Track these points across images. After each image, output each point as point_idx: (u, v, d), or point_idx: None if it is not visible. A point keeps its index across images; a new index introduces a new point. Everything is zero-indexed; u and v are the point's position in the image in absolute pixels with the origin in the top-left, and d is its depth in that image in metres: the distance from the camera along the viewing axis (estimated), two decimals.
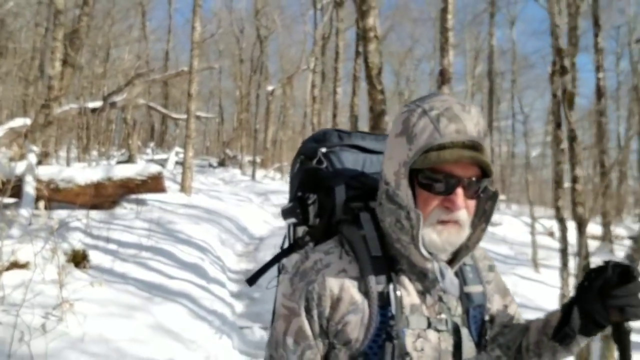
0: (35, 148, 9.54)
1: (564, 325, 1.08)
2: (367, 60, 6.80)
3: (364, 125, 17.73)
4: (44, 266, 4.94)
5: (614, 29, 25.37)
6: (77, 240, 6.08)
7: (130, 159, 14.81)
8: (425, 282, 1.11)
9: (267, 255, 8.65)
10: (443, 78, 9.60)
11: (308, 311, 1.09)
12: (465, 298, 1.15)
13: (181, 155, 16.40)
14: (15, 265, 5.13)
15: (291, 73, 30.55)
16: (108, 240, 6.69)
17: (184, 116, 14.88)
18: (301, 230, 1.33)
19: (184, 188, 12.63)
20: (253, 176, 23.02)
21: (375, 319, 1.05)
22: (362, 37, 6.97)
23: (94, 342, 3.92)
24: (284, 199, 17.22)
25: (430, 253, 1.07)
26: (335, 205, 1.21)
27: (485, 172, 1.06)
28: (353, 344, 1.06)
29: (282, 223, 10.50)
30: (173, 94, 29.52)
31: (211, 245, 8.28)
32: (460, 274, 1.17)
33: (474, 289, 1.17)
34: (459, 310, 1.14)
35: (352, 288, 1.08)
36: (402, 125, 1.07)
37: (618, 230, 13.55)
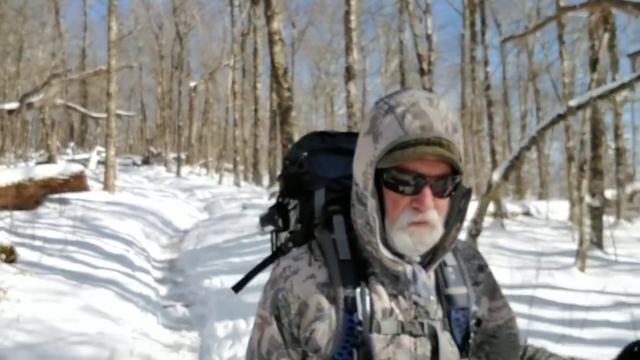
0: None
1: None
2: (273, 61, 7.49)
3: None
4: None
5: (515, 22, 27.40)
6: (3, 238, 6.41)
7: (50, 160, 14.77)
8: (399, 285, 1.07)
9: (190, 245, 9.20)
10: (349, 74, 10.47)
11: (279, 319, 1.07)
12: (445, 301, 1.10)
13: (103, 155, 16.45)
14: None
15: (213, 69, 30.76)
16: (34, 237, 7.03)
17: (104, 115, 15.00)
18: (284, 236, 1.31)
19: (107, 186, 12.86)
20: (178, 173, 23.21)
21: (343, 325, 1.02)
22: (269, 40, 7.64)
23: (28, 322, 4.40)
24: (209, 194, 17.67)
25: (401, 256, 1.04)
26: (314, 209, 1.19)
27: (455, 169, 1.02)
28: (323, 351, 1.03)
29: (205, 215, 11.14)
30: (92, 92, 28.99)
31: (136, 238, 8.72)
32: (440, 276, 1.13)
33: (456, 290, 1.12)
34: (439, 313, 1.09)
35: (319, 294, 1.05)
36: (369, 124, 1.04)
37: (514, 207, 14.99)
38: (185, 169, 24.87)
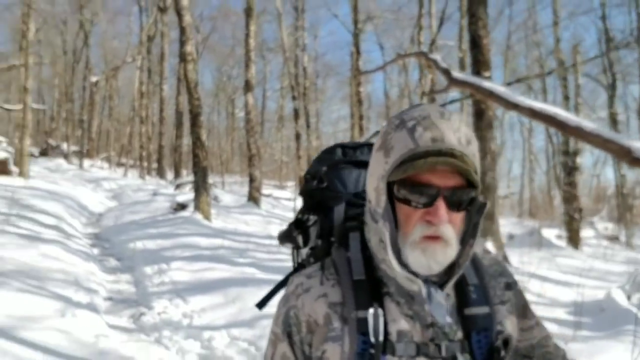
0: None
1: None
2: (186, 76, 9.52)
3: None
4: None
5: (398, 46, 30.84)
6: None
7: None
8: (414, 305, 1.01)
9: (109, 222, 10.92)
10: (247, 87, 12.72)
11: (290, 336, 1.06)
12: (466, 321, 1.03)
13: (4, 144, 17.32)
14: None
15: (115, 65, 31.57)
16: None
17: (18, 107, 16.00)
18: (304, 252, 1.30)
19: (22, 173, 14.03)
20: (81, 165, 24.07)
21: (356, 346, 0.98)
22: (182, 58, 9.65)
23: (2, 261, 6.13)
24: (115, 185, 19.05)
25: (416, 275, 0.99)
26: (333, 225, 1.17)
27: (470, 182, 0.97)
28: None
29: (115, 203, 13.12)
30: None
31: (61, 216, 10.31)
32: (460, 294, 1.06)
33: (477, 310, 1.04)
34: (459, 335, 1.02)
35: (331, 314, 1.02)
36: (381, 139, 1.01)
37: None
38: (86, 162, 25.69)
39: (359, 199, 1.21)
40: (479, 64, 7.50)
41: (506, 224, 14.55)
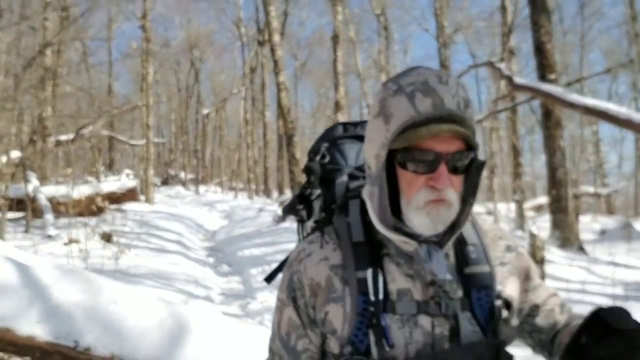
0: (34, 174, 12.84)
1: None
2: (280, 104, 10.72)
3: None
4: (87, 241, 8.47)
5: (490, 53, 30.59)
6: (105, 228, 9.58)
7: (97, 180, 18.02)
8: (414, 265, 1.04)
9: (222, 237, 12.36)
10: (337, 107, 13.73)
11: (295, 301, 1.09)
12: (465, 279, 1.07)
13: (131, 176, 19.71)
14: (72, 241, 8.67)
15: (223, 97, 34.23)
16: (114, 231, 10.20)
17: (143, 142, 18.26)
18: (309, 226, 1.33)
19: (147, 199, 16.04)
20: (197, 191, 26.44)
21: (357, 306, 1.01)
22: (277, 88, 10.89)
23: (138, 267, 7.51)
24: (227, 206, 20.90)
25: (414, 236, 1.01)
26: (335, 197, 1.21)
27: (469, 144, 0.99)
28: (339, 333, 1.03)
29: (227, 221, 14.78)
30: (116, 123, 32.36)
31: (182, 233, 11.88)
32: (460, 254, 1.09)
33: (477, 269, 1.08)
34: (459, 293, 1.05)
35: (333, 276, 1.06)
36: (379, 105, 1.01)
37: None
38: (201, 188, 28.12)
39: (360, 171, 1.24)
40: (544, 68, 7.94)
41: (609, 222, 14.29)
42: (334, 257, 1.08)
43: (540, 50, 7.97)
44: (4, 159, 13.24)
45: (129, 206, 14.21)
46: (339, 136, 1.37)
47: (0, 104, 13.34)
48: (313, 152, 1.36)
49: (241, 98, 28.03)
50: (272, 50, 11.05)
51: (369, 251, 1.05)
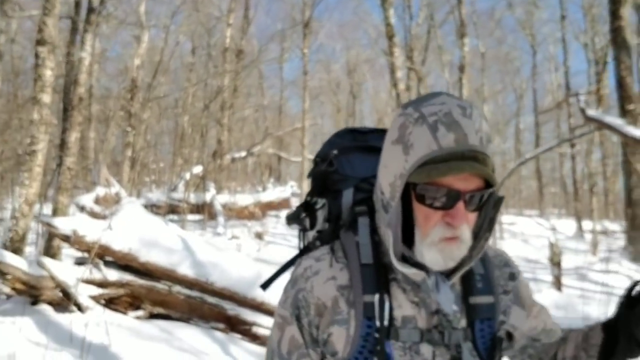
0: (212, 184, 16.16)
1: (609, 349, 1.02)
2: None
3: None
4: (245, 238, 11.14)
5: None
6: (257, 228, 12.30)
7: (263, 190, 21.40)
8: (420, 293, 1.04)
9: None
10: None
11: (299, 319, 1.07)
12: (470, 310, 1.07)
13: (295, 188, 22.82)
14: (234, 237, 11.45)
15: (381, 114, 36.57)
16: (265, 232, 12.89)
17: (299, 159, 21.25)
18: (311, 235, 1.31)
19: None
20: None
21: (361, 330, 1.01)
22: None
23: (274, 257, 9.88)
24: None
25: (423, 267, 1.00)
26: (341, 209, 1.19)
27: (488, 182, 0.97)
28: (340, 355, 1.03)
29: None
30: (287, 140, 36.51)
31: None
32: (466, 283, 1.09)
33: (482, 299, 1.08)
34: (463, 323, 1.05)
35: (339, 297, 1.04)
36: (398, 132, 0.98)
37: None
38: None
39: (367, 184, 1.20)
40: (623, 99, 8.80)
41: None
42: (341, 277, 1.06)
43: (620, 84, 8.82)
44: (189, 174, 16.89)
45: (284, 213, 17.06)
46: (349, 145, 1.32)
47: (191, 135, 17.02)
48: (320, 158, 1.32)
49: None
50: (419, 80, 12.93)
51: (377, 275, 1.03)
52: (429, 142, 0.93)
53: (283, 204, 16.45)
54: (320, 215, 1.28)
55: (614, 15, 9.14)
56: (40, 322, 4.47)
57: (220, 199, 15.29)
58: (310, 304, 1.06)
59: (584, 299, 6.27)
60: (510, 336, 1.12)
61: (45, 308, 4.76)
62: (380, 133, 1.27)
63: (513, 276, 1.18)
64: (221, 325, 4.87)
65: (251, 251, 9.71)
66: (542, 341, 1.17)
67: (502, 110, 36.61)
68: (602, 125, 8.03)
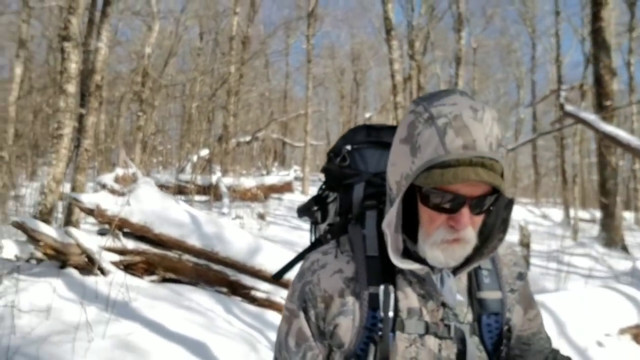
0: (218, 167, 16.89)
1: None
2: (396, 119, 13.20)
3: None
4: (248, 219, 11.89)
5: None
6: (259, 210, 13.06)
7: (267, 174, 22.16)
8: (426, 285, 1.06)
9: None
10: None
11: (306, 312, 1.09)
12: (477, 304, 1.08)
13: (298, 172, 23.54)
14: (237, 217, 12.21)
15: (385, 101, 37.14)
16: (268, 213, 13.65)
17: (302, 144, 21.96)
18: (323, 228, 1.34)
19: (304, 190, 19.57)
20: None
21: (366, 321, 1.03)
22: (394, 107, 13.39)
23: (275, 236, 10.64)
24: None
25: (426, 262, 1.02)
26: (352, 203, 1.20)
27: (495, 187, 0.96)
28: (346, 346, 1.04)
29: None
30: (291, 125, 37.18)
31: None
32: (473, 279, 1.11)
33: (489, 295, 1.09)
34: (469, 317, 1.07)
35: (345, 289, 1.06)
36: (407, 131, 0.99)
37: None
38: None
39: (379, 178, 1.22)
40: (601, 96, 9.48)
41: None
42: (347, 270, 1.08)
43: (598, 81, 9.48)
44: (196, 157, 17.62)
45: (287, 196, 17.82)
46: (362, 140, 1.34)
47: (198, 120, 17.72)
48: (334, 153, 1.34)
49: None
50: (392, 76, 13.58)
51: (383, 266, 1.05)
52: (437, 146, 0.93)
53: (285, 187, 17.21)
54: (332, 208, 1.33)
55: (595, 16, 9.79)
56: (70, 282, 5.23)
57: (226, 181, 16.00)
58: (317, 296, 1.08)
59: (545, 276, 7.01)
60: (510, 331, 1.12)
61: (72, 271, 5.51)
62: (395, 130, 1.19)
63: (521, 276, 1.19)
64: (224, 289, 5.64)
65: (253, 230, 10.47)
66: (531, 346, 1.17)
67: (505, 100, 37.15)
68: (578, 120, 8.71)
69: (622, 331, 5.05)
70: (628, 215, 18.10)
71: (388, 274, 1.04)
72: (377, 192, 1.18)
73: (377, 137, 1.35)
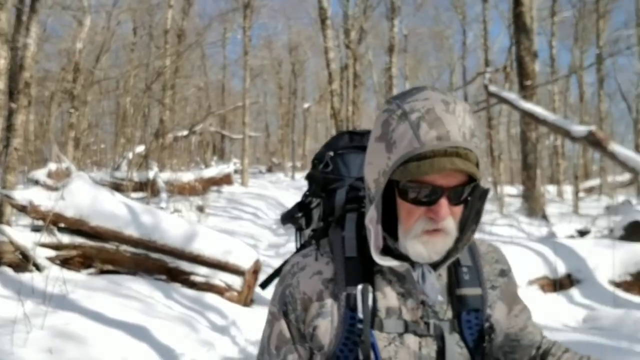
0: (155, 163, 16.74)
1: None
2: (332, 107, 13.53)
3: None
4: (187, 212, 11.93)
5: None
6: (197, 202, 13.11)
7: (206, 167, 22.07)
8: (405, 284, 1.06)
9: None
10: None
11: (286, 315, 1.09)
12: (456, 301, 1.08)
13: (237, 165, 23.56)
14: (175, 210, 12.21)
15: (323, 92, 37.57)
16: (208, 206, 13.71)
17: (241, 136, 21.99)
18: (307, 234, 1.35)
19: (243, 182, 19.66)
20: (293, 177, 30.06)
21: (344, 322, 1.03)
22: (330, 94, 13.70)
23: (215, 227, 10.76)
24: None
25: (407, 259, 1.02)
26: (334, 207, 1.19)
27: (472, 176, 0.97)
28: (326, 348, 1.04)
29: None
30: (230, 118, 36.99)
31: (261, 208, 15.19)
32: (453, 276, 1.11)
33: (469, 291, 1.09)
34: (449, 314, 1.08)
35: (324, 290, 1.07)
36: (382, 129, 1.00)
37: None
38: (298, 175, 31.69)
39: (361, 182, 1.19)
40: (522, 75, 10.12)
41: None
42: (327, 271, 1.09)
43: (520, 63, 10.12)
44: (131, 153, 17.37)
45: (226, 188, 17.85)
46: (344, 146, 1.37)
47: (133, 116, 17.45)
48: (317, 159, 1.38)
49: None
50: (328, 64, 13.89)
51: (361, 267, 1.05)
52: (411, 139, 0.94)
53: (225, 179, 17.25)
54: (316, 214, 1.34)
55: (517, 1, 10.39)
56: (4, 280, 5.22)
57: (163, 177, 15.85)
58: (296, 299, 1.08)
59: None
60: (492, 328, 1.12)
61: (7, 270, 5.49)
62: None
63: (503, 272, 1.20)
64: (163, 277, 5.76)
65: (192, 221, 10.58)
66: (520, 341, 1.17)
67: (438, 85, 38.27)
68: (501, 99, 9.24)
69: (531, 282, 5.57)
70: (551, 189, 19.34)
71: (367, 274, 1.05)
72: (360, 195, 1.19)
73: (360, 142, 1.39)
